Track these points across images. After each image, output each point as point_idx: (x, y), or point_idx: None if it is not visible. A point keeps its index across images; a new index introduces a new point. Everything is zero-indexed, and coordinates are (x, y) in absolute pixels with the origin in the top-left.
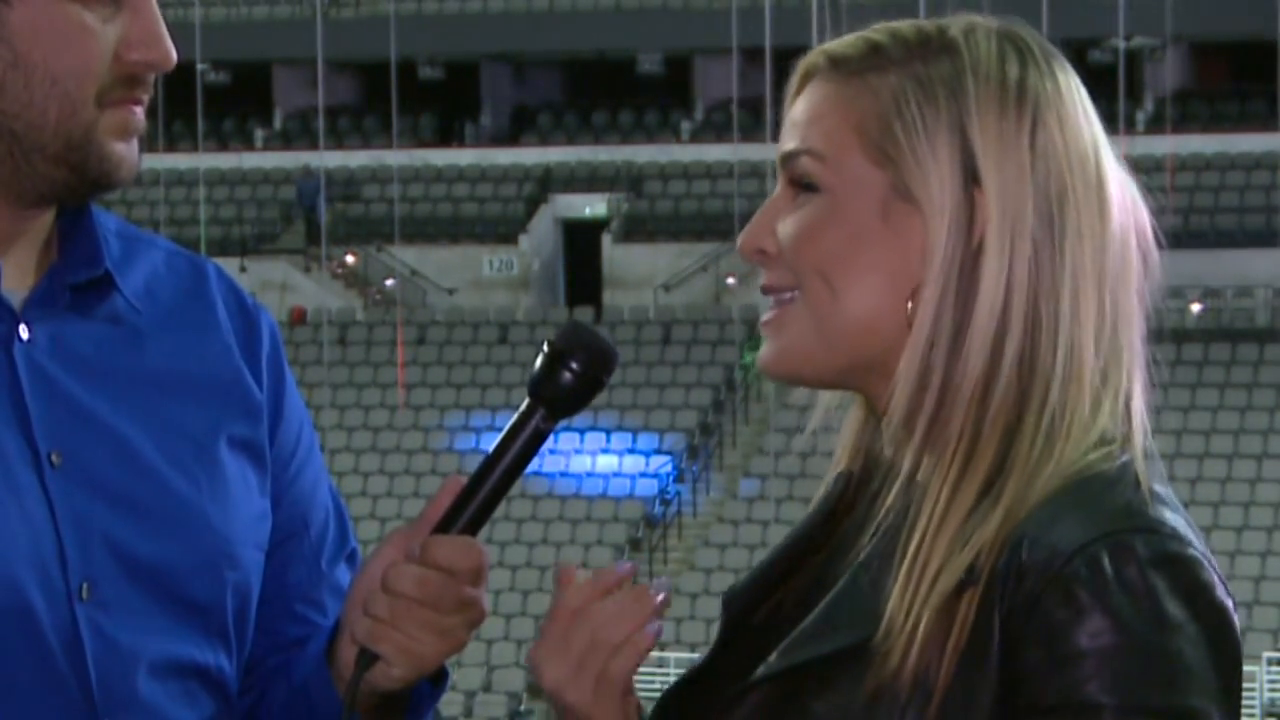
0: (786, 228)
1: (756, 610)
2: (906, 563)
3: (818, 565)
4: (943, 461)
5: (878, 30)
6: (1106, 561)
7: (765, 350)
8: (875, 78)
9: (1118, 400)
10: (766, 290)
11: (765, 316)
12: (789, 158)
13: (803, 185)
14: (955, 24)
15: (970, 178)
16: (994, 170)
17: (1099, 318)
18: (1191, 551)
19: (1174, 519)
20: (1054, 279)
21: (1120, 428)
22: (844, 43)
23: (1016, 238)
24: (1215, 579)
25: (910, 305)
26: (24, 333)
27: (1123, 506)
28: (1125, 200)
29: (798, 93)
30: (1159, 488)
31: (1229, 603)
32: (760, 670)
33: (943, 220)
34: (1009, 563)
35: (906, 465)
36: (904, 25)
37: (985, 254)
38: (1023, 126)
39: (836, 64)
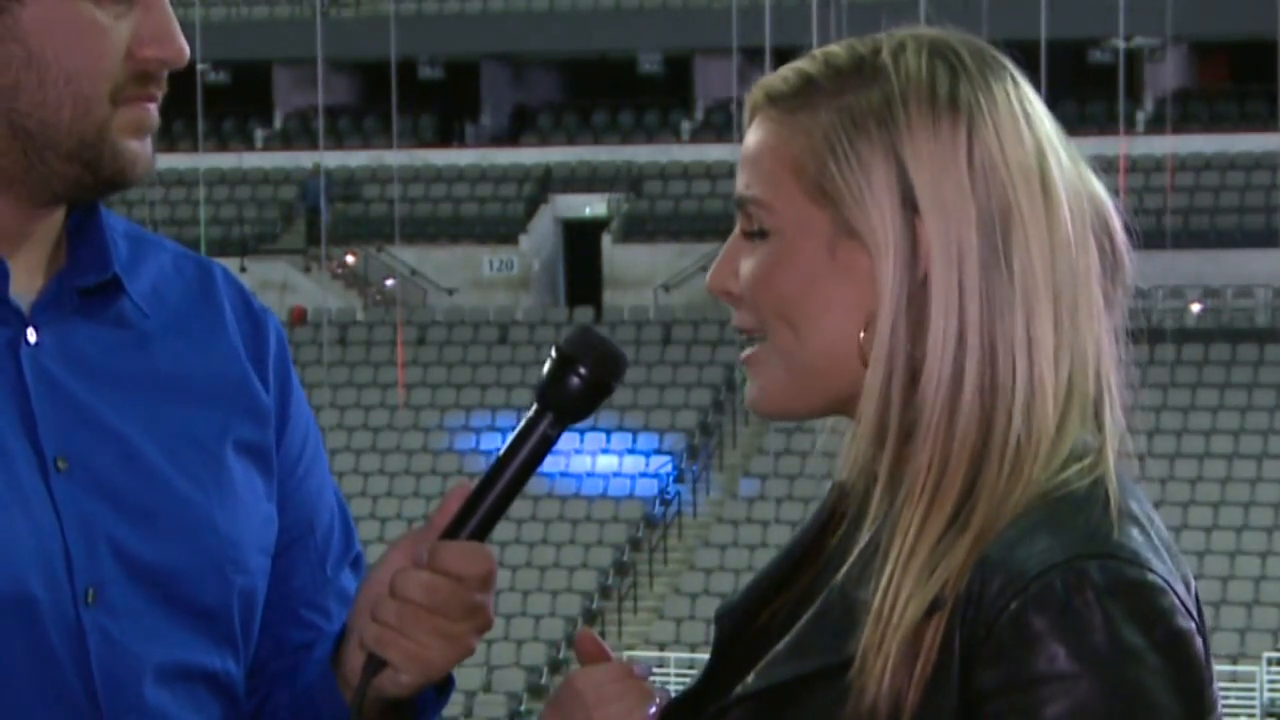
0: (745, 271)
1: (750, 624)
2: (879, 594)
3: (808, 579)
4: (913, 492)
5: (814, 59)
6: (1061, 589)
7: (749, 391)
8: (807, 116)
9: (1086, 409)
10: (738, 329)
11: (743, 354)
12: (740, 201)
13: (756, 228)
14: (887, 43)
15: (911, 208)
16: (932, 197)
17: (1056, 331)
18: (1151, 577)
19: (1139, 540)
20: (1006, 299)
21: (1094, 437)
22: (780, 76)
23: (963, 263)
24: (1176, 603)
25: (863, 337)
26: (31, 336)
27: (1084, 531)
28: (1080, 201)
29: (749, 126)
30: (1132, 504)
31: (1190, 626)
32: (738, 690)
33: (887, 255)
34: (970, 586)
35: (877, 494)
36: (839, 50)
37: (932, 284)
38: (958, 145)
39: (773, 100)
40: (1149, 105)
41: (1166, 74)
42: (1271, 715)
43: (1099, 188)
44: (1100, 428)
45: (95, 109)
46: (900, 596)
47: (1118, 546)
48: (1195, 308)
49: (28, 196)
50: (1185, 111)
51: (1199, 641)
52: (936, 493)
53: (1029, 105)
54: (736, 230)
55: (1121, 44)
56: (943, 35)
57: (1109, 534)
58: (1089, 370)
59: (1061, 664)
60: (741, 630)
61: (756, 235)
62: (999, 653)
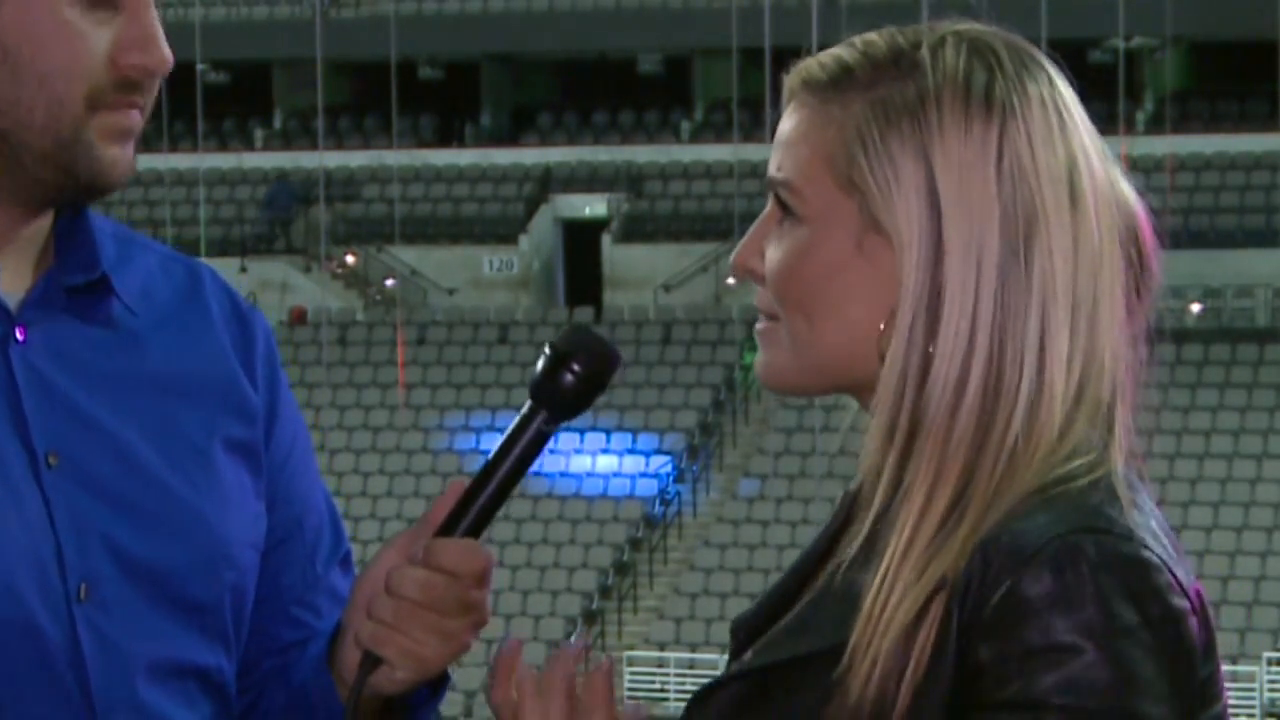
0: (771, 254)
1: (763, 634)
2: (870, 593)
3: (818, 585)
4: (910, 490)
5: (853, 45)
6: (1056, 563)
7: (757, 363)
8: (839, 107)
9: (1096, 414)
10: (759, 309)
11: (758, 326)
12: (770, 183)
13: (786, 211)
14: (928, 37)
15: (936, 207)
16: (956, 197)
17: (1071, 338)
18: (1145, 554)
19: (1137, 520)
20: (1022, 303)
21: (1099, 439)
22: (818, 61)
23: (981, 264)
24: (1170, 581)
25: (882, 330)
26: (20, 335)
27: (1083, 510)
28: (1109, 210)
29: (785, 109)
30: (1137, 498)
31: (1183, 605)
32: (735, 666)
33: (910, 252)
34: (969, 568)
35: (880, 492)
36: (879, 39)
37: (948, 284)
38: (988, 146)
39: (809, 87)
40: (1149, 105)
41: (1166, 74)
42: (1272, 715)
43: (1130, 193)
44: (1110, 430)
45: (69, 110)
46: (893, 596)
47: (1112, 522)
48: (1195, 308)
49: (9, 201)
50: (1185, 111)
51: (1193, 622)
52: (932, 492)
53: (1064, 109)
54: (766, 210)
55: (1121, 44)
56: (985, 33)
57: (1102, 510)
58: (1105, 378)
59: (1056, 635)
60: (755, 640)
61: (789, 213)
62: (994, 625)
